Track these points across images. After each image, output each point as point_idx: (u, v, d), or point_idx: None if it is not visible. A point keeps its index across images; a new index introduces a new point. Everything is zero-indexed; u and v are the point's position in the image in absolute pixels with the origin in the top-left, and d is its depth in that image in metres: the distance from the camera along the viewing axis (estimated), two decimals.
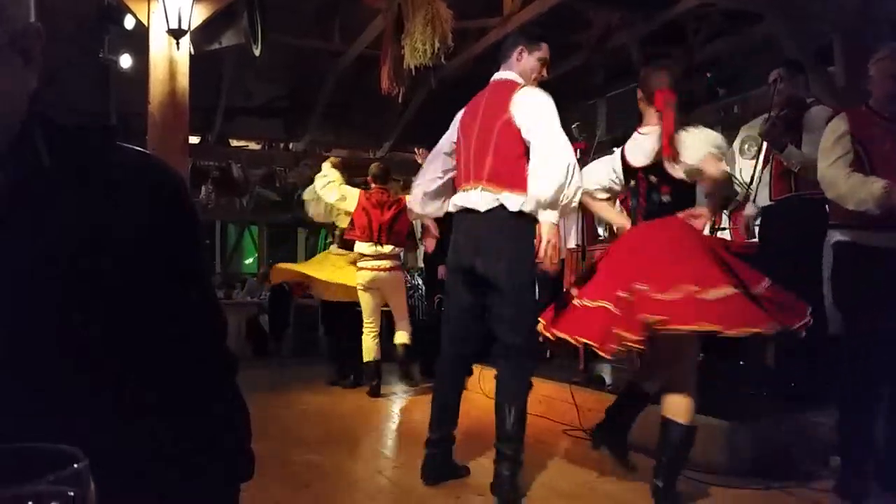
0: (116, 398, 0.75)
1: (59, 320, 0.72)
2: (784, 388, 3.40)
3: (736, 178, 5.28)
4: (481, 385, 4.44)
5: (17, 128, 0.74)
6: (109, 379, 0.74)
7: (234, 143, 8.43)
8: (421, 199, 3.14)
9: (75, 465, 0.41)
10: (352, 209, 5.16)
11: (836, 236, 2.71)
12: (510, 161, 2.71)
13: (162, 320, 0.78)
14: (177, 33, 4.24)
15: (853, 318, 2.66)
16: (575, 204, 2.71)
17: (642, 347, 2.40)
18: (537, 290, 3.07)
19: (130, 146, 0.83)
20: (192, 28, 4.33)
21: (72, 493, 0.40)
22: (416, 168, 3.90)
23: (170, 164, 0.85)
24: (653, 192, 2.76)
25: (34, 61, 0.75)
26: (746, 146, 3.97)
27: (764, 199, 3.71)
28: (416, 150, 5.55)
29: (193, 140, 7.11)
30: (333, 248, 5.90)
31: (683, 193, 2.74)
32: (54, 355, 0.72)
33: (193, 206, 0.85)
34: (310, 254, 11.43)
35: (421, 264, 6.86)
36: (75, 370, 0.72)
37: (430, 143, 3.28)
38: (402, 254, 5.35)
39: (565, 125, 2.78)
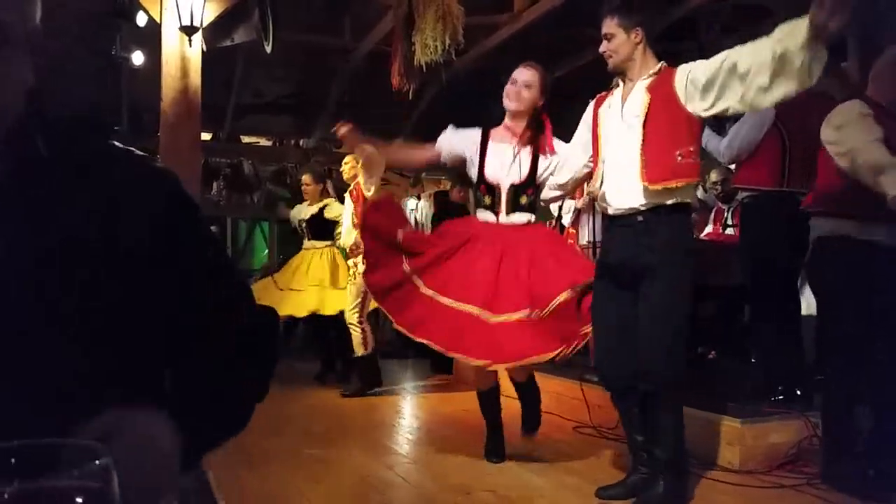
0: (116, 395, 0.75)
1: (54, 314, 0.72)
2: (795, 386, 3.38)
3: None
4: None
5: (12, 121, 0.73)
6: (104, 373, 0.74)
7: (245, 139, 8.46)
8: None
9: (99, 461, 0.41)
10: None
11: (825, 227, 2.69)
12: None
13: (159, 311, 0.79)
14: (189, 30, 4.26)
15: (832, 310, 2.74)
16: None
17: None
18: None
19: (121, 145, 0.84)
20: (204, 25, 4.35)
21: (96, 488, 0.41)
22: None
23: (159, 162, 0.87)
24: None
25: (11, 44, 0.71)
26: None
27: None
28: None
29: (205, 137, 7.14)
30: None
31: None
32: (49, 350, 0.72)
33: (189, 199, 0.85)
34: None
35: None
36: (71, 364, 0.72)
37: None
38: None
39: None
